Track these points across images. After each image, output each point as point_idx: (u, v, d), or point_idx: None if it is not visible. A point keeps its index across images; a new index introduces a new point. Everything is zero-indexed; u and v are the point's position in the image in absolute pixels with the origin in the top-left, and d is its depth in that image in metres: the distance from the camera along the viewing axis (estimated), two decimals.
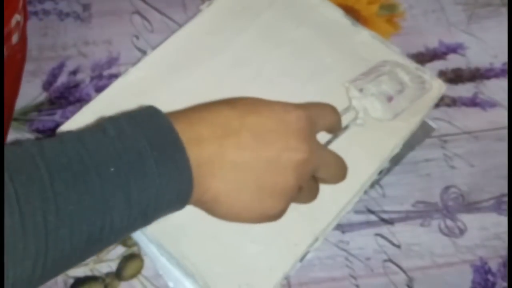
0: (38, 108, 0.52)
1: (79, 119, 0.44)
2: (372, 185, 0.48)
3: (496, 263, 0.46)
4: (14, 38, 0.45)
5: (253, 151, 0.32)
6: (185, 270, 0.40)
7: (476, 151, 0.51)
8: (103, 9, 0.58)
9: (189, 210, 0.33)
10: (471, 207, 0.48)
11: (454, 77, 0.55)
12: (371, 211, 0.48)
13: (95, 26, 0.57)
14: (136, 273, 0.45)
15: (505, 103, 0.53)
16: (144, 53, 0.55)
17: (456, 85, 0.54)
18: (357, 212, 0.47)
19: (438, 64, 0.55)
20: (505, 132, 0.52)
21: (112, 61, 0.55)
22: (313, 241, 0.41)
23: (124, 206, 0.29)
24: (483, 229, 0.47)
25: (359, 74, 0.45)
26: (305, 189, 0.36)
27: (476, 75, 0.55)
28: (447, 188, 0.49)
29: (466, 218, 0.48)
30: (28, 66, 0.53)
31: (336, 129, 0.40)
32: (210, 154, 0.31)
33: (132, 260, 0.45)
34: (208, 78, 0.46)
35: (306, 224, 0.40)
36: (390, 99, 0.43)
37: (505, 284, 0.45)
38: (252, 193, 0.33)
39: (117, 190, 0.28)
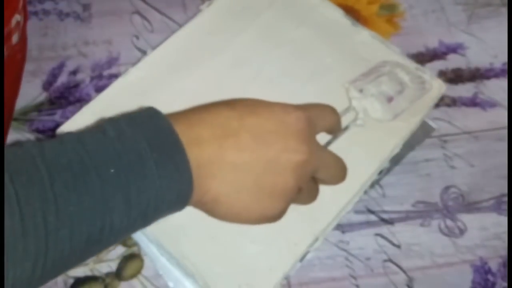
0: (38, 108, 0.52)
1: (79, 119, 0.44)
2: (372, 185, 0.48)
3: (496, 263, 0.46)
4: (14, 38, 0.45)
5: (252, 152, 0.32)
6: (185, 270, 0.40)
7: (476, 151, 0.51)
8: (103, 9, 0.58)
9: (189, 210, 0.33)
10: (471, 207, 0.48)
11: (454, 77, 0.55)
12: (371, 211, 0.48)
13: (95, 26, 0.57)
14: (136, 273, 0.45)
15: (505, 103, 0.53)
16: (144, 53, 0.55)
17: (456, 85, 0.54)
18: (357, 212, 0.47)
19: (438, 64, 0.55)
20: (505, 132, 0.52)
21: (112, 61, 0.55)
22: (313, 241, 0.41)
23: (124, 207, 0.29)
24: (483, 229, 0.47)
25: (359, 75, 0.45)
26: (305, 190, 0.36)
27: (476, 75, 0.55)
28: (447, 188, 0.49)
29: (466, 218, 0.48)
30: (28, 66, 0.53)
31: (336, 130, 0.40)
32: (210, 155, 0.31)
33: (132, 260, 0.45)
34: (208, 78, 0.46)
35: (306, 224, 0.40)
36: (390, 99, 0.43)
37: (505, 284, 0.45)
38: (251, 194, 0.33)
39: (117, 191, 0.28)
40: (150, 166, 0.29)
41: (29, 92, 0.53)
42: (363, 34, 0.49)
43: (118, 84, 0.46)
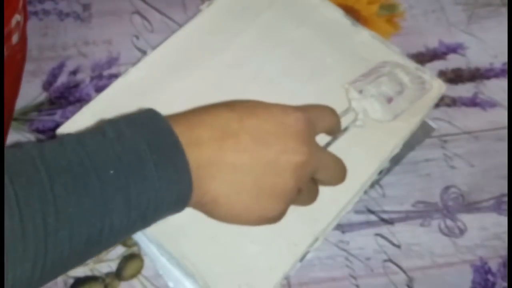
0: (38, 108, 0.52)
1: (79, 119, 0.44)
2: (372, 185, 0.48)
3: (496, 263, 0.46)
4: (14, 38, 0.45)
5: (252, 154, 0.32)
6: (185, 270, 0.40)
7: (476, 151, 0.51)
8: (103, 9, 0.58)
9: (189, 211, 0.33)
10: (471, 207, 0.48)
11: (454, 77, 0.55)
12: (371, 211, 0.48)
13: (95, 26, 0.57)
14: (136, 273, 0.45)
15: (505, 103, 0.53)
16: (144, 53, 0.55)
17: (456, 85, 0.54)
18: (357, 212, 0.47)
19: (438, 64, 0.55)
20: (505, 132, 0.52)
21: (112, 61, 0.55)
22: (313, 241, 0.41)
23: (124, 208, 0.29)
24: (483, 229, 0.47)
25: (358, 76, 0.45)
26: (305, 191, 0.36)
27: (476, 75, 0.55)
28: (447, 188, 0.49)
29: (466, 218, 0.48)
30: (28, 66, 0.53)
31: (335, 131, 0.40)
32: (210, 157, 0.31)
33: (132, 260, 0.45)
34: (208, 78, 0.46)
35: (306, 224, 0.40)
36: (389, 100, 0.43)
37: (505, 284, 0.45)
38: (251, 195, 0.33)
39: (116, 192, 0.28)
40: (149, 168, 0.29)
41: (29, 92, 0.53)
42: (363, 34, 0.49)
43: (118, 84, 0.46)
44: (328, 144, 0.40)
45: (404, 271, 0.45)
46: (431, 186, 0.49)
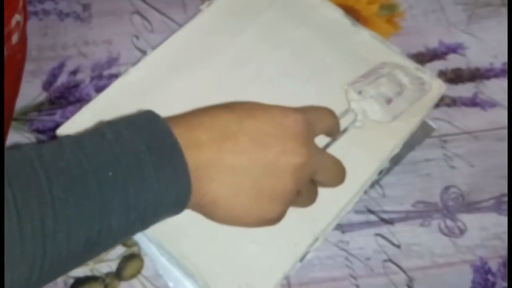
0: (38, 108, 0.52)
1: (79, 119, 0.44)
2: (372, 185, 0.48)
3: (496, 263, 0.46)
4: (14, 38, 0.45)
5: (251, 155, 0.32)
6: (185, 270, 0.40)
7: (476, 151, 0.51)
8: (103, 9, 0.58)
9: (189, 211, 0.33)
10: (471, 207, 0.48)
11: (454, 77, 0.55)
12: (371, 211, 0.48)
13: (95, 26, 0.57)
14: (136, 273, 0.45)
15: (505, 103, 0.53)
16: (144, 53, 0.55)
17: (456, 85, 0.54)
18: (357, 212, 0.47)
19: (438, 64, 0.55)
20: (505, 132, 0.52)
21: (112, 61, 0.55)
22: (313, 241, 0.41)
23: (122, 210, 0.29)
24: (483, 229, 0.47)
25: (358, 77, 0.45)
26: (304, 193, 0.36)
27: (476, 75, 0.55)
28: (447, 188, 0.49)
29: (466, 218, 0.48)
30: (28, 66, 0.53)
31: (334, 132, 0.40)
32: (208, 158, 0.31)
33: (132, 260, 0.45)
34: (208, 78, 0.46)
35: (306, 224, 0.40)
36: (389, 101, 0.43)
37: (505, 284, 0.45)
38: (250, 197, 0.33)
39: (115, 194, 0.28)
40: (148, 169, 0.29)
41: (29, 92, 0.53)
42: (363, 34, 0.49)
43: (118, 84, 0.46)
44: (327, 145, 0.40)
45: (404, 271, 0.45)
46: (431, 186, 0.49)
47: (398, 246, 0.46)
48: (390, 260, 0.46)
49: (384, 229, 0.47)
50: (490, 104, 0.53)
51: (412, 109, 0.45)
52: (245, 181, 0.32)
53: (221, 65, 0.47)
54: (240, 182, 0.32)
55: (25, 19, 0.47)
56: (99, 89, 0.52)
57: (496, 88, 0.54)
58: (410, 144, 0.48)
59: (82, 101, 0.53)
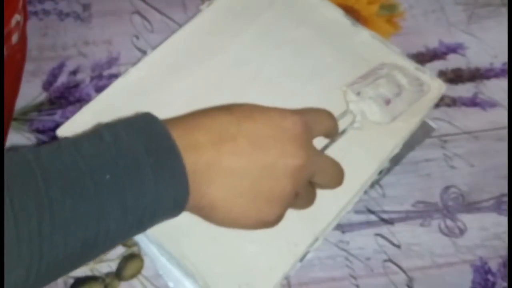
0: (38, 108, 0.52)
1: (79, 119, 0.44)
2: (372, 185, 0.48)
3: (496, 263, 0.46)
4: (14, 38, 0.45)
5: (249, 157, 0.32)
6: (185, 270, 0.40)
7: (476, 151, 0.51)
8: (103, 9, 0.58)
9: None
10: (471, 207, 0.48)
11: (454, 77, 0.55)
12: (371, 211, 0.48)
13: (95, 26, 0.57)
14: (136, 273, 0.45)
15: (505, 103, 0.53)
16: (144, 53, 0.55)
17: (456, 85, 0.54)
18: (357, 212, 0.47)
19: (438, 64, 0.55)
20: (505, 132, 0.52)
21: (112, 61, 0.55)
22: (313, 241, 0.41)
23: (120, 213, 0.28)
24: (483, 229, 0.47)
25: (356, 78, 0.45)
26: (302, 195, 0.36)
27: (476, 75, 0.55)
28: (447, 188, 0.49)
29: (466, 218, 0.48)
30: (28, 66, 0.53)
31: (333, 134, 0.40)
32: (207, 160, 0.31)
33: (132, 260, 0.45)
34: (208, 78, 0.46)
35: (306, 224, 0.40)
36: (387, 102, 0.43)
37: (505, 284, 0.45)
38: (248, 199, 0.33)
39: (112, 197, 0.28)
40: (146, 172, 0.29)
41: (29, 92, 0.53)
42: (363, 34, 0.49)
43: (118, 84, 0.46)
44: (326, 147, 0.40)
45: (404, 271, 0.45)
46: (431, 186, 0.49)
47: (398, 246, 0.46)
48: (390, 260, 0.46)
49: (384, 229, 0.47)
50: (490, 104, 0.53)
51: (412, 109, 0.45)
52: (244, 183, 0.32)
53: (221, 65, 0.47)
54: (238, 184, 0.32)
55: (25, 19, 0.47)
56: (99, 89, 0.52)
57: (496, 88, 0.54)
58: (410, 144, 0.48)
59: (82, 101, 0.53)
